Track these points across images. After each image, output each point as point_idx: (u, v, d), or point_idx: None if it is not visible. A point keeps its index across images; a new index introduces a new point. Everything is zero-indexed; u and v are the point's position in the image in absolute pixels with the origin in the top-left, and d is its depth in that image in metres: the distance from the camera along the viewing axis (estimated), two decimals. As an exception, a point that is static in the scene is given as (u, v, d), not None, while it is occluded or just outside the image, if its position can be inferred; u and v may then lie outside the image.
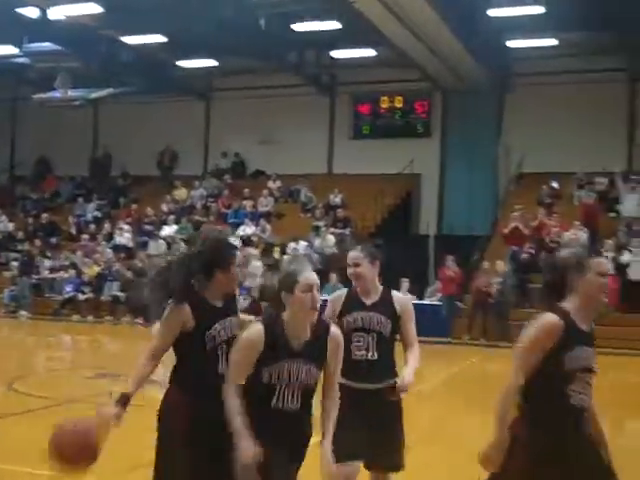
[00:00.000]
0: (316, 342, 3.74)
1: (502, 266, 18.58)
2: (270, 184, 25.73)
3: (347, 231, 22.94)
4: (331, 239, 22.17)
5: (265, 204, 24.87)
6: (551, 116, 23.68)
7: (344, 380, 4.19)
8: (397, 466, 4.63)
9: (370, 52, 23.79)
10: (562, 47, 22.81)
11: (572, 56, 23.15)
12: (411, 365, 4.59)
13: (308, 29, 21.72)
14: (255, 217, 24.04)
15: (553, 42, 22.71)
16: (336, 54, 24.76)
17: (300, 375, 3.68)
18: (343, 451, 4.08)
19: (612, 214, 20.71)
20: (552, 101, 23.70)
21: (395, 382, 4.54)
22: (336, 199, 24.55)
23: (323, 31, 21.99)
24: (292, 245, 21.68)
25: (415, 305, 16.24)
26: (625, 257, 17.78)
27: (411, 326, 4.77)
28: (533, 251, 19.32)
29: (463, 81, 24.44)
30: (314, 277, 3.71)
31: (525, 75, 24.40)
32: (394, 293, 4.86)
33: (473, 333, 18.22)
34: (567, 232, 18.81)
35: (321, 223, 23.20)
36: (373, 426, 4.47)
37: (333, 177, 26.46)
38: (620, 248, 18.28)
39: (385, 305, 4.73)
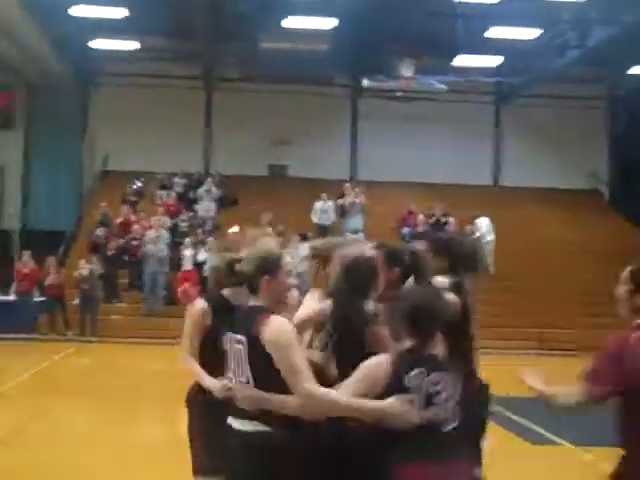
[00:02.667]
0: None
1: (85, 265, 18.81)
2: None
3: None
4: None
5: None
6: (135, 117, 24.55)
7: None
8: None
9: None
10: (145, 50, 23.74)
11: (154, 60, 24.22)
12: None
13: None
14: None
15: (136, 45, 23.56)
16: None
17: None
18: None
19: (191, 213, 22.15)
20: (136, 103, 24.60)
21: None
22: None
23: None
24: None
25: (-1, 301, 15.65)
26: (201, 255, 19.25)
27: None
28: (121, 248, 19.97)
29: (47, 76, 24.21)
30: None
31: (110, 75, 24.95)
32: None
33: (57, 329, 18.38)
34: (150, 230, 19.74)
35: None
36: None
37: None
38: (197, 245, 19.73)
39: None
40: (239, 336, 3.49)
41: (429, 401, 3.39)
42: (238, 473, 3.48)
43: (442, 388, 3.42)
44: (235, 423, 3.52)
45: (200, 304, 4.40)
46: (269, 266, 3.54)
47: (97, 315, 18.40)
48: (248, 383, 3.46)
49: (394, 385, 3.37)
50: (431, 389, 3.40)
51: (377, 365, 3.42)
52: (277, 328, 3.40)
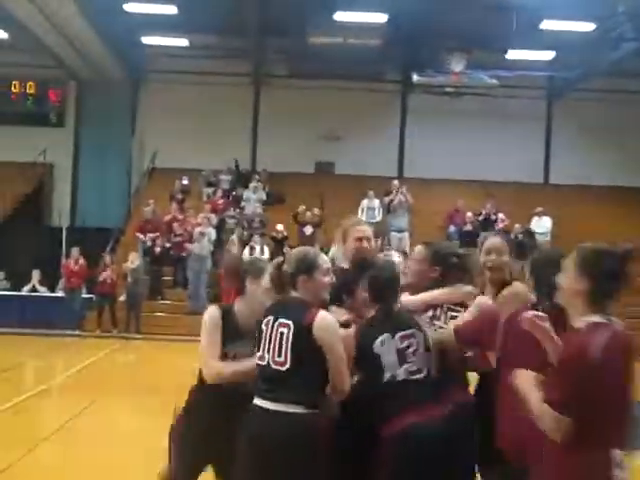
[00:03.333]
0: None
1: (134, 258, 18.95)
2: None
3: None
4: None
5: None
6: (183, 114, 24.59)
7: None
8: None
9: (2, 34, 22.78)
10: (193, 48, 23.84)
11: (203, 57, 24.29)
12: None
13: None
14: None
15: (185, 42, 23.64)
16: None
17: None
18: None
19: (237, 210, 22.08)
20: (184, 100, 24.65)
21: None
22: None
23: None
24: None
25: (47, 297, 16.20)
26: (247, 253, 19.16)
27: None
28: (166, 245, 20.02)
29: (98, 73, 24.50)
30: None
31: (159, 72, 25.10)
32: None
33: (103, 326, 18.43)
34: (197, 227, 19.74)
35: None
36: None
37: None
38: (244, 242, 19.69)
39: None
40: (285, 321, 3.83)
41: (403, 358, 3.96)
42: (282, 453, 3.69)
43: (409, 343, 3.98)
44: (268, 405, 3.79)
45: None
46: (305, 266, 3.93)
47: (141, 312, 18.42)
48: (285, 362, 3.78)
49: (364, 354, 3.97)
50: (400, 347, 3.97)
51: (348, 338, 3.95)
52: (328, 321, 3.82)
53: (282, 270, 4.03)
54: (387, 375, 3.94)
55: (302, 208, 20.53)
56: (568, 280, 3.15)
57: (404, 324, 4.05)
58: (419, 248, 4.64)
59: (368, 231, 4.63)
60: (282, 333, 3.80)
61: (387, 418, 3.86)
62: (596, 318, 3.07)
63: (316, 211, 20.63)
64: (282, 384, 3.77)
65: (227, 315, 4.30)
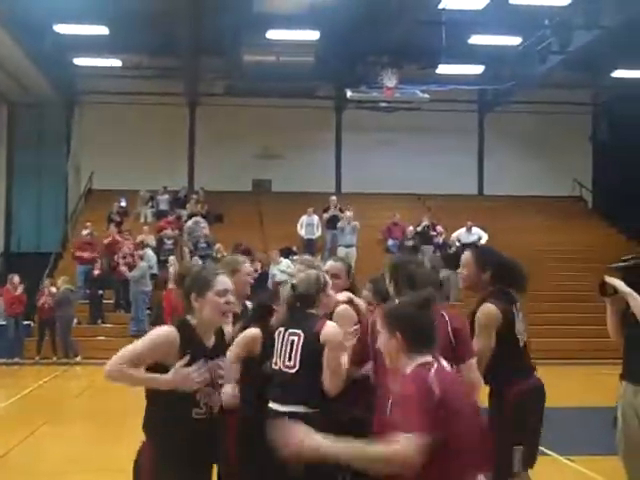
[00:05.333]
0: None
1: (62, 282, 18.58)
2: None
3: None
4: None
5: None
6: (118, 135, 24.43)
7: None
8: None
9: None
10: (126, 68, 23.70)
11: (136, 78, 24.18)
12: None
13: None
14: None
15: (117, 63, 23.50)
16: None
17: None
18: None
19: (176, 231, 21.97)
20: (119, 120, 24.50)
21: None
22: None
23: None
24: None
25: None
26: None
27: None
28: (103, 268, 19.80)
29: (30, 95, 24.17)
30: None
31: (92, 93, 24.87)
32: None
33: (44, 352, 18.13)
34: (137, 249, 19.61)
35: None
36: None
37: None
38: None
39: None
40: (295, 330, 4.27)
41: None
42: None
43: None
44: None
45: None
46: (323, 285, 4.41)
47: (70, 336, 18.04)
48: (294, 367, 4.22)
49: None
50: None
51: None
52: (334, 331, 4.24)
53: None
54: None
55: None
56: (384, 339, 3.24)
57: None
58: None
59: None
60: (293, 341, 4.27)
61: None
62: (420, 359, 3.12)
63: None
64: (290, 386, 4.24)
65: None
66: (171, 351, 3.65)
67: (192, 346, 3.67)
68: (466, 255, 4.99)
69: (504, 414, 4.60)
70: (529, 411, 4.67)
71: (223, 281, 3.74)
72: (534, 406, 4.73)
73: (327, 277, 4.49)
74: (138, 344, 3.75)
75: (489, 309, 4.64)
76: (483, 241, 20.73)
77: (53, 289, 18.39)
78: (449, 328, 4.02)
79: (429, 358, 3.13)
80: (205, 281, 3.71)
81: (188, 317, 3.75)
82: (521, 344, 4.80)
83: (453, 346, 3.99)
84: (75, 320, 18.76)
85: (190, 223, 21.26)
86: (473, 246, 5.29)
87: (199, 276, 3.76)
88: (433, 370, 3.06)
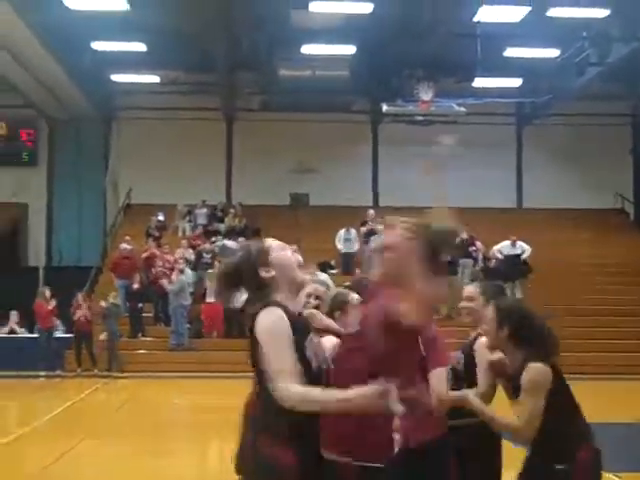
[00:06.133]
0: None
1: (112, 297, 18.85)
2: None
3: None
4: None
5: None
6: (156, 150, 24.67)
7: None
8: None
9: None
10: (164, 84, 23.96)
11: (173, 93, 24.41)
12: None
13: None
14: None
15: (155, 79, 23.78)
16: None
17: None
18: None
19: (213, 244, 22.11)
20: (157, 136, 24.74)
21: None
22: None
23: None
24: None
25: (25, 339, 15.96)
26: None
27: None
28: (145, 282, 19.97)
29: (69, 111, 24.55)
30: None
31: (130, 109, 25.18)
32: None
33: (84, 365, 18.31)
34: (176, 263, 19.74)
35: None
36: None
37: None
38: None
39: None
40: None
41: None
42: None
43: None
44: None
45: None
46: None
47: (116, 350, 18.30)
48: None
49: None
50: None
51: None
52: None
53: None
54: None
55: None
56: None
57: None
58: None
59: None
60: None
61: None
62: None
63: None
64: None
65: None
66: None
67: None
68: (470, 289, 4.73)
69: None
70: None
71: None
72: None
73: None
74: (279, 352, 3.10)
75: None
76: (526, 255, 20.59)
77: (103, 302, 18.60)
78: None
79: None
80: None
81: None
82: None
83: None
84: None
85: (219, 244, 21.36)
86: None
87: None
88: None
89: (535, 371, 3.97)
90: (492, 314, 4.13)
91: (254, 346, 3.14)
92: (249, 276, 3.30)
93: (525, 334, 4.05)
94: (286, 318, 3.13)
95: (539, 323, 4.14)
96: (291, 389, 3.01)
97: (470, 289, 4.71)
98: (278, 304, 3.17)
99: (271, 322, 3.11)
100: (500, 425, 4.13)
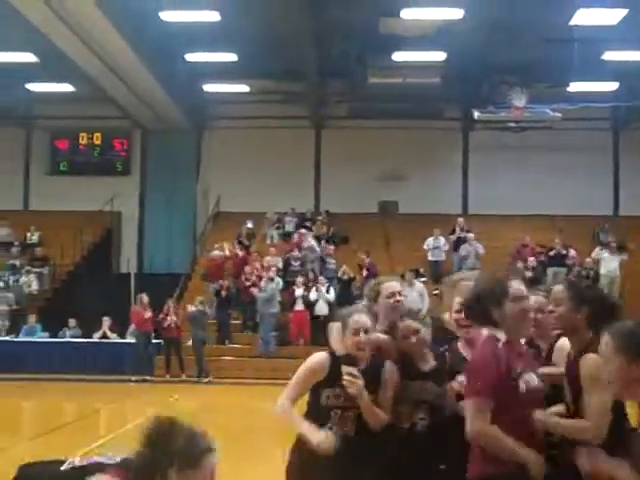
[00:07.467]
0: None
1: (201, 302, 19.00)
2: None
3: (46, 270, 22.44)
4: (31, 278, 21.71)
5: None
6: (245, 158, 24.92)
7: None
8: None
9: (67, 87, 23.47)
10: (253, 94, 24.17)
11: (263, 102, 24.60)
12: None
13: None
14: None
15: (245, 88, 24.00)
16: (33, 87, 24.08)
17: None
18: None
19: (302, 252, 22.11)
20: (246, 144, 24.98)
21: None
22: (33, 237, 23.89)
23: (18, 63, 21.35)
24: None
25: (118, 344, 16.20)
26: (313, 295, 19.21)
27: None
28: (233, 289, 20.13)
29: (162, 121, 24.99)
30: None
31: (221, 118, 25.52)
32: None
33: (172, 371, 18.52)
34: (265, 271, 19.83)
35: (17, 262, 22.47)
36: None
37: (30, 214, 25.69)
38: (308, 284, 19.66)
39: None
40: None
41: None
42: None
43: None
44: None
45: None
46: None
47: (203, 356, 18.38)
48: None
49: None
50: None
51: None
52: None
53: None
54: None
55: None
56: None
57: None
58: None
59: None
60: None
61: None
62: None
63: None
64: None
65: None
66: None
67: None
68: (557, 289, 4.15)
69: None
70: None
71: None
72: None
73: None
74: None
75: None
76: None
77: (190, 307, 18.80)
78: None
79: None
80: None
81: None
82: None
83: None
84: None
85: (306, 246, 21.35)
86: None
87: None
88: None
89: (591, 363, 3.63)
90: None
91: None
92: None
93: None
94: None
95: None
96: None
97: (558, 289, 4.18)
98: None
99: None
100: (570, 431, 3.75)
